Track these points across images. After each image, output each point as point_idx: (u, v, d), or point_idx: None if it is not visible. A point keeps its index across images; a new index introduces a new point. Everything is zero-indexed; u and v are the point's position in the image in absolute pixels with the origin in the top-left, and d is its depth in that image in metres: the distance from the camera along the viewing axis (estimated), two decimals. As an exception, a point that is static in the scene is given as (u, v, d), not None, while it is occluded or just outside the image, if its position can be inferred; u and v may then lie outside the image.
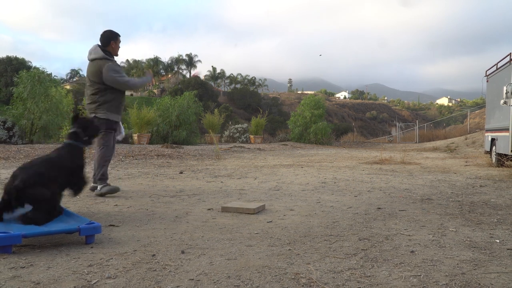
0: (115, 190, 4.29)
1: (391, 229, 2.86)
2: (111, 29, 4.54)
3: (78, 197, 3.85)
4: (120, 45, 4.48)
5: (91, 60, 4.33)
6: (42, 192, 2.66)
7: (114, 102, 4.34)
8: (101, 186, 4.26)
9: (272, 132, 28.09)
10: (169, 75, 66.14)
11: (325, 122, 21.51)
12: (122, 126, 4.64)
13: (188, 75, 66.45)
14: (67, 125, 18.31)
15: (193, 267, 2.02)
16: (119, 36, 4.48)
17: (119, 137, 4.65)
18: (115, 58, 4.51)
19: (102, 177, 4.29)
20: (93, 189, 4.35)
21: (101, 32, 4.45)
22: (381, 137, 34.97)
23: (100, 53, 4.30)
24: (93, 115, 4.27)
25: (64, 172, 2.97)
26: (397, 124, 35.57)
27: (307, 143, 20.38)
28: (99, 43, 4.39)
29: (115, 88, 4.34)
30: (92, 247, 2.35)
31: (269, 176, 6.43)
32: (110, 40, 4.40)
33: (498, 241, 2.55)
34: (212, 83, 68.76)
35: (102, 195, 4.24)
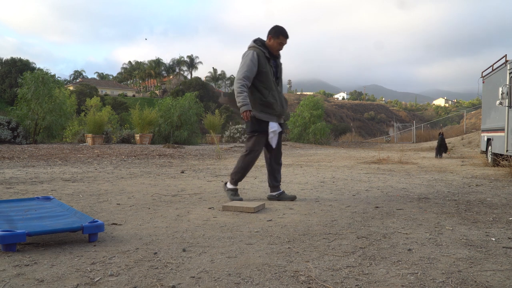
0: (234, 199, 3.93)
1: (389, 227, 2.90)
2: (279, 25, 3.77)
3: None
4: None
5: None
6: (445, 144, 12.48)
7: (262, 96, 3.71)
8: (229, 188, 3.99)
9: (271, 132, 28.06)
10: (171, 76, 66.21)
11: (324, 123, 21.60)
12: (274, 127, 3.81)
13: (189, 76, 66.47)
14: (71, 126, 18.36)
15: (194, 265, 2.04)
16: (281, 35, 3.74)
17: (272, 142, 3.82)
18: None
19: (233, 180, 3.98)
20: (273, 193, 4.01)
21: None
22: (379, 137, 35.00)
23: (251, 43, 3.79)
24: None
25: (441, 142, 12.11)
26: (395, 124, 35.62)
27: (306, 143, 20.44)
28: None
29: (263, 79, 3.70)
30: (95, 245, 2.37)
31: (268, 176, 6.45)
32: (268, 34, 3.77)
33: (493, 239, 2.59)
34: (213, 84, 68.82)
35: (228, 192, 3.98)
